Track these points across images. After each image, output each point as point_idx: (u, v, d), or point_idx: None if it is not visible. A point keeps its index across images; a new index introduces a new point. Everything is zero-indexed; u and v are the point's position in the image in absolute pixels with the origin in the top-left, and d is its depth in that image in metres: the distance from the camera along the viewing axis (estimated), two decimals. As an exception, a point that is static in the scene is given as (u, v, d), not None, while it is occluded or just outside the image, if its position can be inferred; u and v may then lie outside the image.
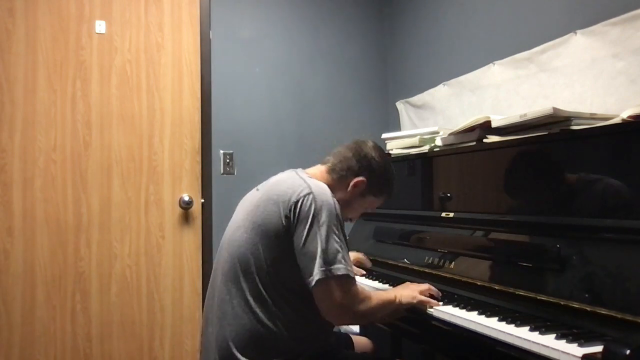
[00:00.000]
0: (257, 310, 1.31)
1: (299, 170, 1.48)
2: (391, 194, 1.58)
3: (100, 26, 2.42)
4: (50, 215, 2.33)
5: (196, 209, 2.53)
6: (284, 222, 1.31)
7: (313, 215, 1.29)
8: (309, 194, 1.32)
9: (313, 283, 1.25)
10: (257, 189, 1.48)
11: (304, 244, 1.28)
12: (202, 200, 2.56)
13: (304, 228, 1.28)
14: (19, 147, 2.30)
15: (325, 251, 1.26)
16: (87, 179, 2.39)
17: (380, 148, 1.56)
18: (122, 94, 2.45)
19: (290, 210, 1.31)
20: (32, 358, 2.28)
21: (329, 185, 1.43)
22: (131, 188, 2.45)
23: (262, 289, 1.32)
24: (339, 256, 1.28)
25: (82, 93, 2.39)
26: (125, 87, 2.46)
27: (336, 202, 1.35)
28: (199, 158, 2.56)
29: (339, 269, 1.26)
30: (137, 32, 2.48)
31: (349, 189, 1.48)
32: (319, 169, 1.52)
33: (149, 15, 2.50)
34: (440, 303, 1.40)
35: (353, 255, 1.88)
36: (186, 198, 2.50)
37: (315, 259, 1.26)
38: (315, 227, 1.28)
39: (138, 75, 2.47)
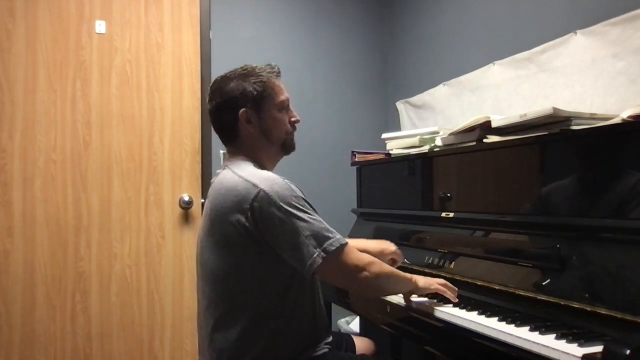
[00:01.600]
0: (242, 325, 1.28)
1: (231, 164, 1.37)
2: (264, 73, 1.40)
3: (100, 26, 2.42)
4: (50, 215, 2.33)
5: (196, 209, 2.54)
6: (244, 232, 1.24)
7: (276, 211, 1.22)
8: (257, 193, 1.23)
9: (313, 270, 1.21)
10: (208, 196, 1.39)
11: (285, 241, 1.23)
12: (202, 200, 2.55)
13: (275, 227, 1.22)
14: (19, 147, 2.30)
15: (308, 236, 1.21)
16: (87, 179, 2.39)
17: (224, 75, 1.42)
18: (122, 94, 2.45)
19: (247, 218, 1.23)
20: (32, 358, 2.28)
21: (248, 149, 1.38)
22: (131, 188, 2.45)
23: (242, 305, 1.28)
24: (323, 232, 1.23)
25: (82, 93, 2.39)
26: (125, 87, 2.46)
27: (286, 181, 1.28)
28: (199, 158, 2.56)
29: (332, 244, 1.22)
30: (137, 32, 2.48)
31: (249, 128, 1.38)
32: (232, 152, 1.43)
33: (149, 15, 2.50)
34: (456, 300, 1.37)
35: (382, 245, 1.66)
36: (186, 198, 2.50)
37: (302, 248, 1.21)
38: (285, 219, 1.21)
39: (138, 75, 2.47)
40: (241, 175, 1.30)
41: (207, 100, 1.45)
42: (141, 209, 2.46)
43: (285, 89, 1.45)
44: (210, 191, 1.37)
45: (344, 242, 1.25)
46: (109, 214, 2.41)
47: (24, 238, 2.30)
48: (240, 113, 1.37)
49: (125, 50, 2.46)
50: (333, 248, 1.22)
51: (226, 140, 1.45)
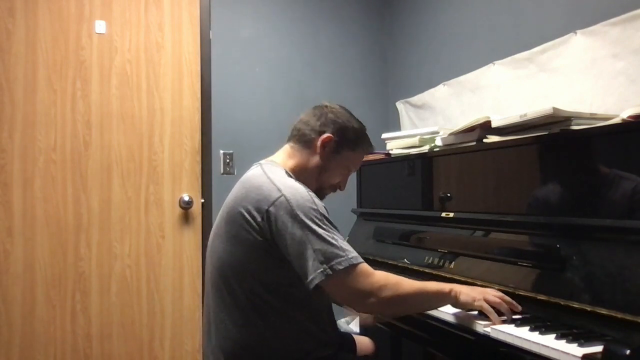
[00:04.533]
0: (245, 322, 1.28)
1: (265, 164, 1.40)
2: (369, 144, 1.49)
3: (100, 26, 2.42)
4: (50, 215, 2.33)
5: (196, 209, 2.53)
6: (258, 230, 1.25)
7: (291, 219, 1.21)
8: (278, 197, 1.24)
9: (312, 286, 1.19)
10: (235, 187, 1.41)
11: (293, 250, 1.21)
12: (202, 200, 2.56)
13: (287, 234, 1.21)
14: (19, 147, 2.30)
15: (317, 250, 1.19)
16: (87, 179, 2.39)
17: (342, 107, 1.49)
18: (122, 94, 2.45)
19: (263, 219, 1.24)
20: (32, 358, 2.28)
21: (297, 161, 1.40)
22: (131, 188, 2.45)
23: (245, 300, 1.28)
24: (334, 250, 1.20)
25: (82, 93, 2.39)
26: (125, 87, 2.45)
27: (311, 193, 1.28)
28: (199, 158, 2.56)
29: (340, 262, 1.18)
30: (137, 32, 2.48)
31: (319, 150, 1.40)
32: (284, 150, 1.46)
33: (149, 15, 2.50)
34: (504, 321, 1.19)
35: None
36: (186, 198, 2.50)
37: (307, 260, 1.19)
38: (298, 230, 1.20)
39: (138, 75, 2.47)
40: (270, 177, 1.31)
41: (320, 105, 1.48)
42: (141, 209, 2.46)
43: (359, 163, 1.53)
44: (237, 184, 1.39)
45: (355, 263, 1.20)
46: (109, 214, 2.41)
47: (24, 238, 2.30)
48: (327, 134, 1.40)
49: (125, 50, 2.46)
50: (340, 267, 1.18)
51: (294, 139, 1.45)
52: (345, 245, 1.23)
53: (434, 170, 1.89)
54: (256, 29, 2.80)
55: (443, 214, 1.73)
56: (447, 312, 1.32)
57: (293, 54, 2.88)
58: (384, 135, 2.26)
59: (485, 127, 1.59)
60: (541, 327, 1.11)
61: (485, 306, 1.23)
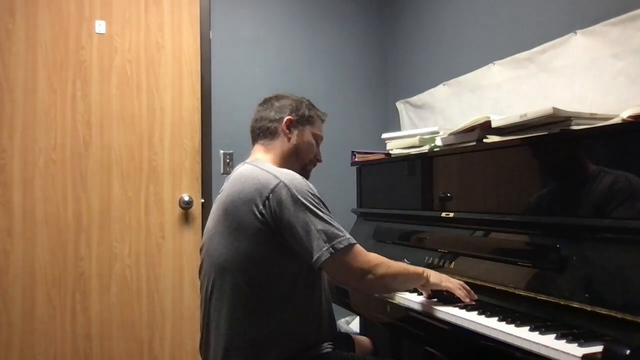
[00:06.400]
0: (247, 318, 1.30)
1: (251, 161, 1.45)
2: (319, 110, 1.60)
3: (100, 26, 2.42)
4: (50, 215, 2.33)
5: (196, 209, 2.54)
6: (260, 218, 1.28)
7: (292, 203, 1.27)
8: (277, 184, 1.29)
9: (320, 263, 1.25)
10: (222, 190, 1.45)
11: (298, 231, 1.26)
12: (202, 200, 2.56)
13: (290, 217, 1.26)
14: (19, 147, 2.30)
15: (320, 231, 1.26)
16: (87, 179, 2.39)
17: (278, 93, 1.59)
18: (122, 94, 2.45)
19: (264, 206, 1.28)
20: (32, 358, 2.28)
21: (275, 152, 1.48)
22: (131, 188, 2.45)
23: (248, 294, 1.30)
24: (334, 230, 1.28)
25: (82, 93, 2.39)
26: (125, 87, 2.46)
27: (306, 180, 1.36)
28: (199, 158, 2.56)
29: (341, 241, 1.26)
30: (137, 32, 2.48)
31: (287, 133, 1.50)
32: (257, 150, 1.52)
33: (149, 15, 2.50)
34: (467, 300, 1.36)
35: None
36: (186, 198, 2.50)
37: (312, 240, 1.25)
38: (301, 213, 1.27)
39: (138, 75, 2.47)
40: (263, 168, 1.37)
41: (263, 100, 1.57)
42: (141, 209, 2.46)
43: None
44: (229, 181, 1.43)
45: (353, 242, 1.29)
46: (109, 214, 2.41)
47: (24, 238, 2.30)
48: (286, 118, 1.50)
49: (125, 50, 2.46)
50: (341, 246, 1.26)
51: (259, 137, 1.53)
52: (341, 227, 1.31)
53: (434, 170, 1.89)
54: (256, 29, 2.80)
55: (443, 214, 1.73)
56: (447, 311, 1.32)
57: (293, 54, 2.88)
58: (384, 135, 2.26)
59: (485, 127, 1.59)
60: (541, 327, 1.10)
61: (451, 286, 1.37)
